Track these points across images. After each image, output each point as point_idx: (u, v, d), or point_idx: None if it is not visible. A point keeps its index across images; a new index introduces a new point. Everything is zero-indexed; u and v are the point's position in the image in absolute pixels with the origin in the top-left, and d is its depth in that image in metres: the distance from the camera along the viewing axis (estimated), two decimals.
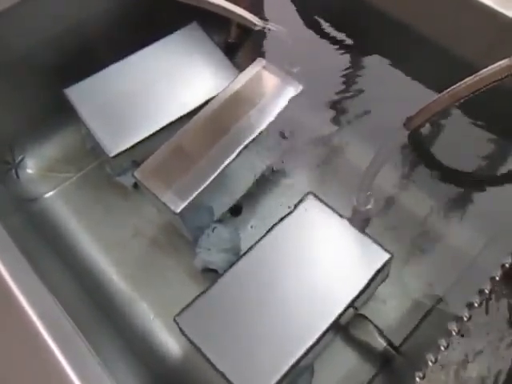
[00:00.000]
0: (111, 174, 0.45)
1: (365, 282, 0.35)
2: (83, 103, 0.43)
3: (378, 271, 0.36)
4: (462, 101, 0.29)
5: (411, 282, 0.40)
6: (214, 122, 0.39)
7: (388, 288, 0.39)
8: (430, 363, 0.26)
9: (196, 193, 0.36)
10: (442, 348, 0.26)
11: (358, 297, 0.35)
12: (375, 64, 0.51)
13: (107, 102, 0.43)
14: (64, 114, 0.44)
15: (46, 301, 0.27)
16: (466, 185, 0.46)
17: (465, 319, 0.27)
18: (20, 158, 0.48)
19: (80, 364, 0.25)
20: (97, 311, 0.39)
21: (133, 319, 0.40)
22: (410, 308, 0.39)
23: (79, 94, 0.43)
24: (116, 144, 0.42)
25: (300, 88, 0.40)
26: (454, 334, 0.27)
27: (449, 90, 0.29)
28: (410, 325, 0.38)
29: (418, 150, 0.45)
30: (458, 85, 0.28)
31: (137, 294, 0.41)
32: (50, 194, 0.47)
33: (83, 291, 0.40)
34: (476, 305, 0.28)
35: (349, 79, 0.51)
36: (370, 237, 0.37)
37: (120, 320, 0.40)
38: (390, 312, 0.39)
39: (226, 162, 0.37)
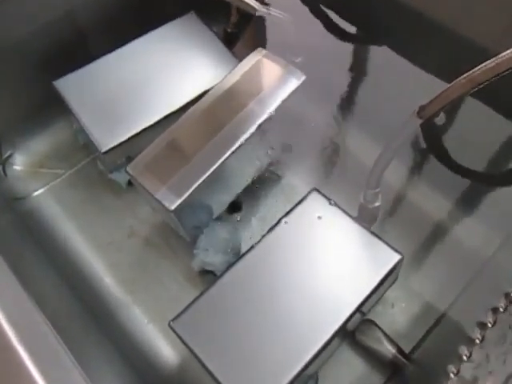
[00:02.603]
0: (104, 171, 0.44)
1: (373, 285, 0.33)
2: (74, 96, 0.41)
3: (388, 273, 0.34)
4: (477, 88, 0.27)
5: (421, 284, 0.39)
6: (212, 115, 0.38)
7: (396, 291, 0.37)
8: (452, 375, 0.24)
9: (192, 189, 0.35)
10: (464, 357, 0.24)
11: (365, 301, 0.33)
12: (383, 55, 0.49)
13: (99, 94, 0.42)
14: (54, 108, 0.43)
15: (24, 306, 0.24)
16: (479, 180, 0.43)
17: (489, 325, 0.25)
18: (8, 153, 0.46)
19: (58, 377, 0.22)
20: (87, 316, 0.37)
21: (126, 324, 0.38)
22: (420, 312, 0.38)
23: (69, 86, 0.42)
24: (108, 139, 0.40)
25: (303, 78, 0.39)
26: (477, 342, 0.24)
27: (465, 75, 0.26)
28: (420, 330, 0.37)
29: (430, 141, 0.43)
30: (475, 70, 0.26)
31: (130, 298, 0.40)
32: (40, 192, 0.45)
33: (73, 295, 0.38)
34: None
35: (355, 71, 0.50)
36: (378, 236, 0.35)
37: (112, 325, 0.38)
38: (399, 316, 0.38)
39: (224, 157, 0.36)
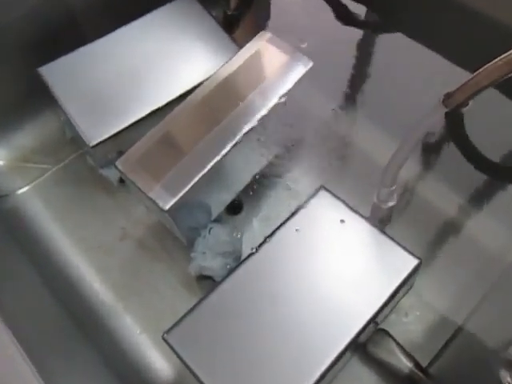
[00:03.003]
0: (94, 167, 0.42)
1: (389, 292, 0.32)
2: (60, 84, 0.39)
3: (405, 280, 0.32)
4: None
5: (437, 290, 0.37)
6: (210, 106, 0.35)
7: (410, 298, 0.36)
8: None
9: (188, 187, 0.32)
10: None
11: (380, 310, 0.31)
12: (398, 41, 0.47)
13: (88, 83, 0.39)
14: (41, 98, 0.41)
15: None
16: (503, 177, 0.40)
17: None
18: None
19: None
20: (73, 326, 0.35)
21: (116, 334, 0.36)
22: (437, 321, 0.36)
23: (55, 73, 0.39)
24: (98, 131, 0.37)
25: (310, 64, 0.36)
26: None
27: (501, 57, 0.23)
28: (437, 342, 0.35)
29: (456, 135, 0.40)
30: None
31: (121, 306, 0.38)
32: (24, 189, 0.43)
33: (58, 303, 0.36)
34: None
35: (366, 58, 0.47)
36: (393, 239, 0.33)
37: (101, 336, 0.36)
38: (414, 326, 0.36)
39: (223, 153, 0.33)
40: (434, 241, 0.39)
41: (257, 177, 0.40)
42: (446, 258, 0.38)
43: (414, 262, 0.32)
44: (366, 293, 0.31)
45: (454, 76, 0.36)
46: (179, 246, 0.39)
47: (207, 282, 0.37)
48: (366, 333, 0.31)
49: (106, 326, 0.36)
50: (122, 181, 0.41)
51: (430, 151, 0.43)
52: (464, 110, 0.36)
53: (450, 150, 0.42)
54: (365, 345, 0.34)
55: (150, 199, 0.32)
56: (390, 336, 0.34)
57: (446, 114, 0.26)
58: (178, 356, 0.30)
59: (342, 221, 0.34)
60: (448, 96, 0.26)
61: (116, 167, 0.33)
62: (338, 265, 0.32)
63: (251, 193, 0.41)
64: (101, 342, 0.35)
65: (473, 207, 0.40)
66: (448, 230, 0.40)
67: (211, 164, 0.33)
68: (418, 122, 0.26)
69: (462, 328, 0.35)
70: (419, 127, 0.28)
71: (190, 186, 0.32)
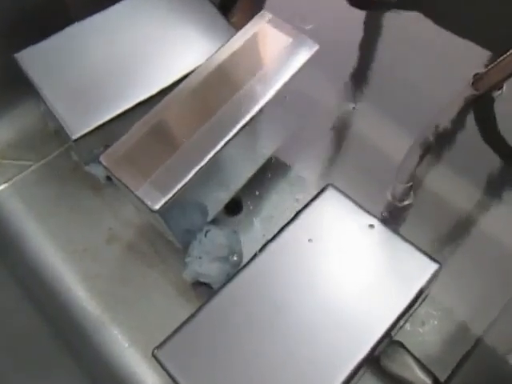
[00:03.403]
0: (79, 163, 0.40)
1: (406, 301, 0.29)
2: (39, 71, 0.36)
3: (424, 287, 0.30)
4: None
5: (456, 296, 0.35)
6: (204, 95, 0.33)
7: (426, 305, 0.34)
8: None
9: (180, 185, 0.30)
10: None
11: (397, 321, 0.29)
12: (415, 22, 0.44)
13: (71, 70, 0.37)
14: (19, 87, 0.38)
15: None
16: None
17: None
18: None
19: None
20: (54, 338, 0.34)
21: (102, 348, 0.34)
22: (456, 331, 0.34)
23: (34, 60, 0.37)
24: (81, 123, 0.35)
25: (315, 48, 0.33)
26: None
27: None
28: (457, 354, 0.33)
29: (483, 122, 0.37)
30: None
31: (108, 316, 0.35)
32: (2, 187, 0.41)
33: (38, 312, 0.34)
34: None
35: (378, 41, 0.45)
36: (410, 241, 0.31)
37: (85, 349, 0.34)
38: (430, 337, 0.33)
39: (220, 146, 0.31)
40: (451, 242, 0.37)
41: (257, 173, 0.38)
42: (466, 261, 0.36)
43: (433, 266, 0.30)
44: (380, 302, 0.29)
45: (478, 60, 0.34)
46: (173, 250, 0.36)
47: (204, 289, 0.35)
48: (380, 347, 0.29)
49: (91, 338, 0.34)
50: (109, 178, 0.38)
51: (442, 143, 0.40)
52: (496, 94, 0.33)
53: (466, 142, 0.40)
54: (378, 359, 0.31)
55: (138, 198, 0.29)
56: (405, 348, 0.32)
57: (475, 98, 0.23)
58: (170, 375, 0.28)
59: (353, 222, 0.31)
60: (478, 78, 0.23)
61: (100, 162, 0.31)
62: (348, 271, 0.30)
63: (251, 191, 0.39)
64: (84, 356, 0.34)
65: (494, 204, 0.38)
66: (467, 230, 0.37)
67: (206, 159, 0.30)
68: (440, 108, 0.23)
69: (483, 338, 0.33)
70: (441, 114, 0.24)
71: (182, 183, 0.30)
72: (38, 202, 0.40)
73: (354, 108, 0.41)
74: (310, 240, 0.31)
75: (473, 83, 0.22)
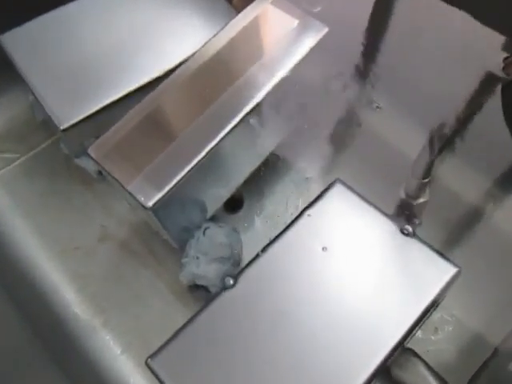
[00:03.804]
0: (70, 156, 0.38)
1: (422, 307, 0.27)
2: (25, 56, 0.35)
3: (441, 292, 0.28)
4: None
5: (472, 300, 0.33)
6: (202, 82, 0.31)
7: (440, 310, 0.33)
8: None
9: (175, 180, 0.28)
10: None
11: (412, 329, 0.27)
12: (426, 4, 0.42)
13: (59, 54, 0.35)
14: (5, 73, 0.37)
15: None
16: None
17: None
18: None
19: None
20: (40, 344, 0.32)
21: (93, 355, 0.33)
22: (473, 339, 0.32)
23: (20, 43, 0.35)
24: (70, 112, 0.33)
25: (324, 31, 0.32)
26: None
27: None
28: (473, 363, 0.32)
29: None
30: None
31: (99, 320, 0.34)
32: None
33: (23, 316, 0.33)
34: None
35: (391, 23, 0.43)
36: (425, 242, 0.29)
37: (74, 356, 0.33)
38: (445, 344, 0.32)
39: (219, 138, 0.29)
40: (466, 242, 0.35)
41: (259, 168, 0.37)
42: (482, 263, 0.34)
43: (451, 270, 0.28)
44: (394, 308, 0.27)
45: (495, 45, 0.32)
46: (169, 249, 0.35)
47: (202, 292, 0.33)
48: (393, 356, 0.27)
49: (80, 344, 0.33)
50: (101, 172, 0.35)
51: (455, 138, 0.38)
52: None
53: (485, 137, 0.38)
54: (388, 368, 0.29)
55: (130, 194, 0.28)
56: (418, 357, 0.30)
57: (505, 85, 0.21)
58: None
59: (363, 221, 0.29)
60: (509, 62, 0.20)
61: (88, 154, 0.29)
62: (359, 274, 0.28)
63: (252, 187, 0.38)
64: (72, 364, 0.32)
65: None
66: (484, 230, 0.36)
67: (204, 152, 0.29)
68: (470, 96, 0.21)
69: (501, 347, 0.31)
70: (471, 102, 0.22)
71: (178, 178, 0.28)
72: (25, 198, 0.39)
73: (366, 101, 0.39)
74: (317, 240, 0.29)
75: (503, 68, 0.20)
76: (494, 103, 0.38)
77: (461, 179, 0.37)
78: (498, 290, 0.33)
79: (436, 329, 0.32)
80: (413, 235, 0.28)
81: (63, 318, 0.34)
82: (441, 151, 0.26)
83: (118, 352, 0.32)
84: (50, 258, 0.36)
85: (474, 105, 0.36)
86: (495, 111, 0.38)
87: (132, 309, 0.34)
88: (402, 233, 0.29)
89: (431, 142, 0.25)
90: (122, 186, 0.28)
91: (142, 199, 0.27)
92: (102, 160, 0.28)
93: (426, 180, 0.28)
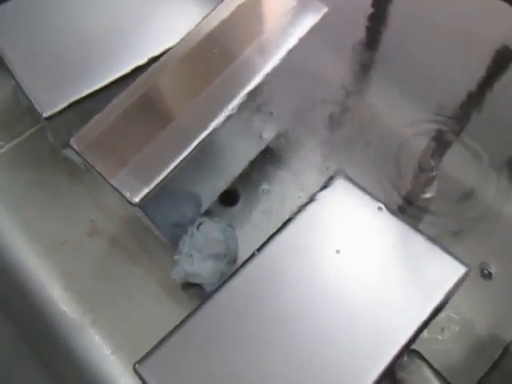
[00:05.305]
0: (56, 145, 0.37)
1: (430, 309, 0.26)
2: (5, 38, 0.33)
3: (449, 293, 0.27)
4: None
5: (480, 299, 0.33)
6: (193, 67, 0.30)
7: (446, 309, 0.31)
8: None
9: (164, 173, 0.26)
10: None
11: (420, 331, 0.26)
12: None
13: (42, 36, 0.34)
14: None
15: None
16: None
17: None
18: None
19: None
20: (26, 344, 0.32)
21: (81, 355, 0.32)
22: (481, 339, 0.32)
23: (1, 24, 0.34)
24: (54, 99, 0.32)
25: (324, 10, 0.30)
26: None
27: None
28: (481, 364, 0.30)
29: None
30: None
31: (88, 319, 0.33)
32: None
33: (7, 315, 0.33)
34: None
35: (397, 2, 0.41)
36: (432, 239, 0.28)
37: (61, 356, 0.32)
38: (451, 345, 0.31)
39: (212, 127, 0.28)
40: (473, 238, 0.34)
41: (255, 159, 0.36)
42: (490, 259, 0.33)
43: (460, 270, 0.27)
44: (400, 309, 0.26)
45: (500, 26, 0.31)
46: (161, 245, 0.34)
47: (196, 290, 0.32)
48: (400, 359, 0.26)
49: (68, 344, 0.32)
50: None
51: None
52: None
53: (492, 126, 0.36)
54: (393, 370, 0.28)
55: (115, 189, 0.26)
56: (423, 359, 0.29)
57: None
58: None
59: (367, 217, 0.28)
60: None
61: (70, 146, 0.27)
62: (363, 273, 0.27)
63: (249, 180, 0.37)
64: (59, 365, 0.32)
65: None
66: (491, 224, 0.34)
67: (196, 142, 0.27)
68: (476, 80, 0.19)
69: (509, 347, 0.30)
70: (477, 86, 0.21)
71: (167, 171, 0.26)
72: (8, 189, 0.38)
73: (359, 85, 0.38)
74: (318, 237, 0.28)
75: None
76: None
77: (470, 171, 0.35)
78: (507, 286, 0.32)
79: (442, 328, 0.32)
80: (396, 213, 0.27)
81: (50, 316, 0.33)
82: (448, 145, 0.24)
83: (108, 352, 0.32)
84: (35, 254, 0.35)
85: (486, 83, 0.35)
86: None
87: (122, 307, 0.33)
88: (407, 227, 0.28)
89: (439, 134, 0.23)
90: (106, 180, 0.26)
91: (127, 195, 0.26)
92: (84, 152, 0.27)
93: (434, 173, 0.27)
